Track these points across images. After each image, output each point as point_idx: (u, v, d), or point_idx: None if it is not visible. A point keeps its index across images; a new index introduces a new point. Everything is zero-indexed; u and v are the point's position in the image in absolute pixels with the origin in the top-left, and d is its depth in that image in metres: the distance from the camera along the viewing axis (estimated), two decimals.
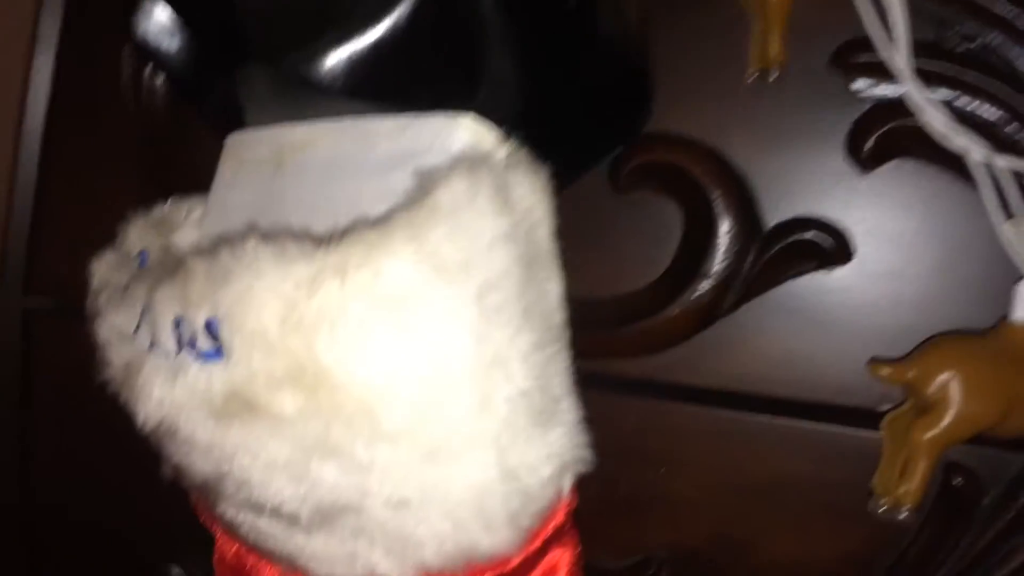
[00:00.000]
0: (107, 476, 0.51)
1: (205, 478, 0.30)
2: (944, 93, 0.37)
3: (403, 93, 0.30)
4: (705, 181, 0.39)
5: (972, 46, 0.37)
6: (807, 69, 0.38)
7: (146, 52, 0.36)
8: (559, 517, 0.31)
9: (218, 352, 0.27)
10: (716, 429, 0.41)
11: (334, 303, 0.25)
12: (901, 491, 0.37)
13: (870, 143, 0.38)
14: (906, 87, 0.36)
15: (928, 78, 0.36)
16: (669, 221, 0.41)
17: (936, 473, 0.37)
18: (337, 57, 0.29)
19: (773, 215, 0.40)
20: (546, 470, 0.29)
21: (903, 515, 0.37)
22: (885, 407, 0.39)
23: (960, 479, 0.39)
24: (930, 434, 0.35)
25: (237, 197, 0.35)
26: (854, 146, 0.39)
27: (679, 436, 0.42)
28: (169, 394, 0.28)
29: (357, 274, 0.25)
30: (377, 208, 0.29)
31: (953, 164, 0.37)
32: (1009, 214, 0.36)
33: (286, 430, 0.27)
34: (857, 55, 0.38)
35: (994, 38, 0.37)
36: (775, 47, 0.38)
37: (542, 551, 0.31)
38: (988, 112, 0.37)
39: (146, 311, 0.29)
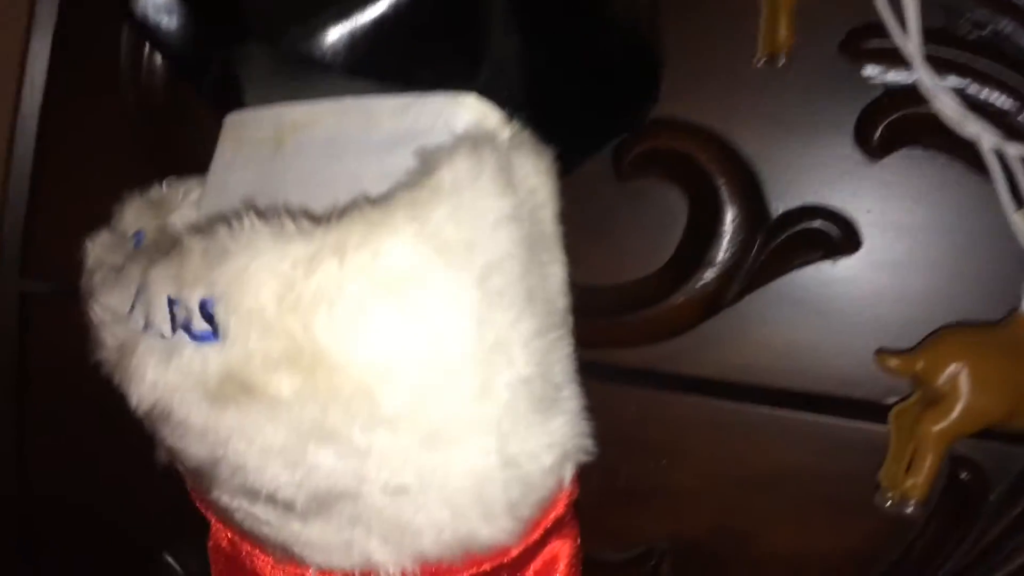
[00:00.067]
0: (103, 462, 0.50)
1: (199, 463, 0.29)
2: (955, 81, 0.36)
3: (405, 71, 0.29)
4: (711, 168, 0.39)
5: (983, 33, 0.36)
6: (816, 55, 0.38)
7: (144, 30, 0.36)
8: (559, 507, 0.30)
9: (213, 333, 0.26)
10: (718, 420, 0.41)
11: (332, 283, 0.25)
12: (908, 485, 0.36)
13: (879, 131, 0.38)
14: (917, 74, 0.35)
15: (939, 65, 0.36)
16: (674, 209, 0.41)
17: (942, 467, 0.37)
18: (338, 33, 0.28)
19: (779, 203, 0.39)
20: (547, 459, 0.28)
21: (910, 509, 0.37)
22: (890, 399, 0.38)
23: (967, 473, 0.38)
24: (938, 427, 0.35)
25: (236, 177, 0.35)
26: (863, 134, 0.38)
27: (681, 427, 0.41)
28: (163, 376, 0.27)
29: (356, 254, 0.25)
30: (378, 188, 0.28)
31: (963, 153, 0.37)
32: (1020, 203, 0.36)
33: (282, 413, 0.26)
34: (867, 41, 0.37)
35: (1006, 25, 0.36)
36: (784, 32, 0.37)
37: (542, 542, 0.30)
38: (999, 100, 0.36)
39: (140, 291, 0.29)
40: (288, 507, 0.28)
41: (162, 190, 0.37)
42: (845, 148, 0.38)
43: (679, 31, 0.39)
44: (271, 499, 0.28)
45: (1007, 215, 0.36)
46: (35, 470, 0.53)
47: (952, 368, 0.35)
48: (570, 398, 0.29)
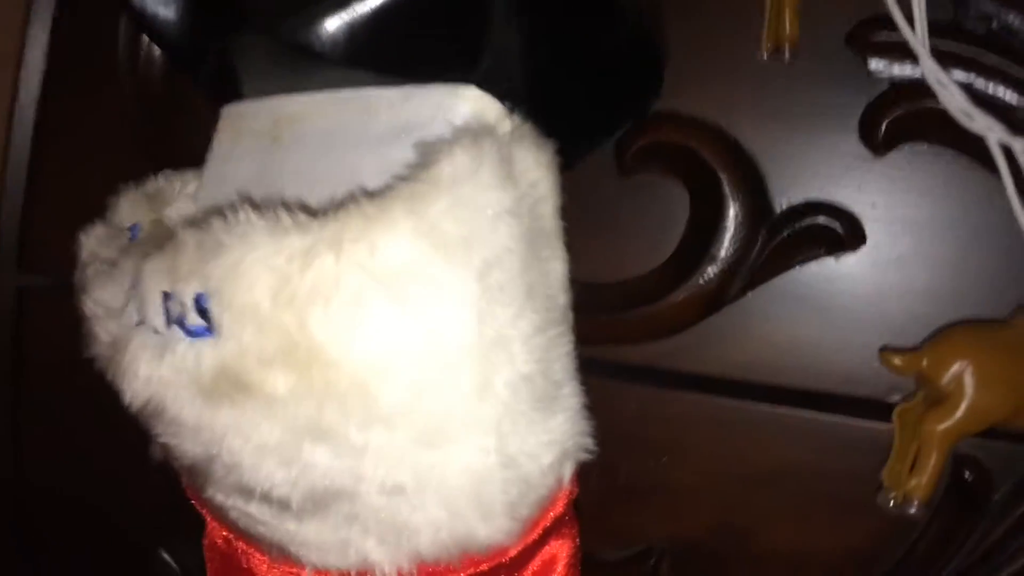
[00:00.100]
0: (100, 457, 0.50)
1: (194, 460, 0.29)
2: (961, 75, 0.36)
3: (404, 62, 0.29)
4: (713, 163, 0.39)
5: (991, 27, 0.36)
6: (822, 48, 0.38)
7: (141, 20, 0.35)
8: (559, 507, 0.30)
9: (208, 328, 0.26)
10: (719, 417, 0.41)
11: (328, 278, 0.24)
12: (911, 485, 0.36)
13: (884, 125, 0.37)
14: (923, 68, 0.35)
15: (945, 59, 0.36)
16: (675, 204, 0.40)
17: (946, 467, 0.37)
18: (336, 23, 0.27)
19: (783, 199, 0.39)
20: (547, 457, 0.28)
21: (913, 510, 0.37)
22: (893, 398, 0.38)
23: (971, 473, 0.38)
24: (943, 426, 0.35)
25: (233, 170, 0.34)
26: (868, 128, 0.38)
27: (681, 424, 0.41)
28: (156, 372, 0.27)
29: (353, 248, 0.24)
30: (376, 181, 0.28)
31: (969, 148, 0.37)
32: None
33: (277, 411, 0.26)
34: (873, 34, 0.37)
35: (1013, 19, 0.36)
36: (789, 25, 0.37)
37: (540, 542, 0.30)
38: (1006, 95, 0.36)
39: (134, 285, 0.28)
40: (283, 506, 0.28)
41: (158, 183, 0.37)
42: (850, 143, 0.38)
43: (683, 23, 0.39)
44: (266, 498, 0.28)
45: (1014, 210, 0.35)
46: (31, 465, 0.52)
47: (957, 366, 0.35)
48: (570, 396, 0.29)
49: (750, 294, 0.40)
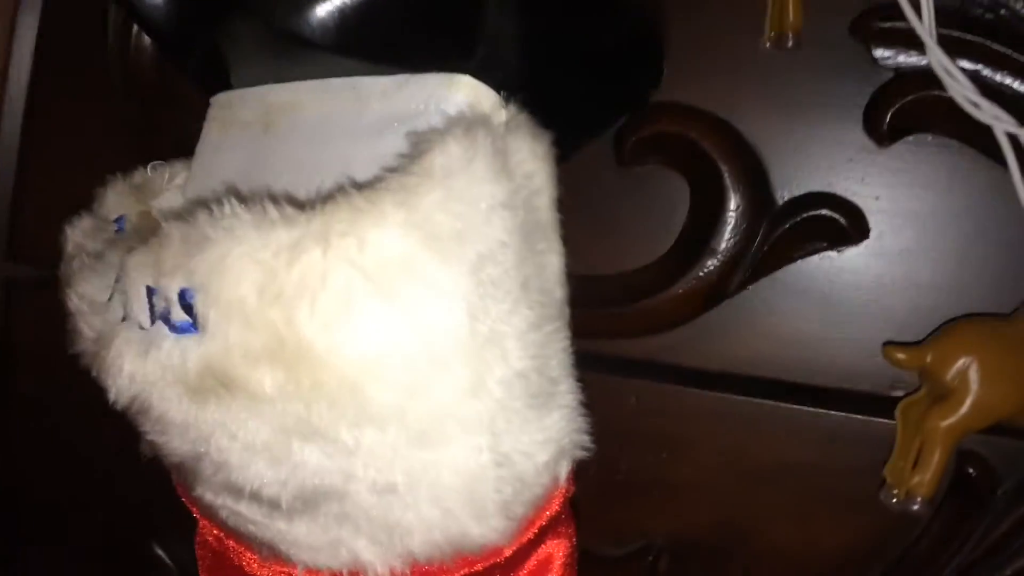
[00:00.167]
0: (89, 452, 0.50)
1: (182, 458, 0.29)
2: (968, 64, 0.35)
3: (397, 50, 0.28)
4: (714, 154, 0.38)
5: (1001, 14, 0.35)
6: (825, 36, 0.37)
7: (130, 7, 0.35)
8: (554, 506, 0.29)
9: (193, 324, 0.25)
10: (719, 413, 0.40)
11: (316, 273, 0.23)
12: (914, 481, 0.36)
13: (889, 116, 0.37)
14: (929, 56, 0.34)
15: (952, 47, 0.35)
16: (675, 196, 0.40)
17: (949, 463, 0.36)
18: (327, 9, 0.27)
19: (785, 190, 0.39)
20: (542, 456, 0.27)
21: (916, 507, 0.36)
22: (896, 393, 0.38)
23: (974, 469, 0.38)
24: (947, 422, 0.34)
25: (223, 160, 0.34)
26: (872, 119, 0.37)
27: (681, 419, 0.41)
28: (141, 369, 0.26)
29: (341, 242, 0.23)
30: (368, 172, 0.27)
31: (976, 139, 0.36)
32: None
33: (265, 409, 0.25)
34: (878, 22, 0.36)
35: (1022, 7, 0.35)
36: (793, 12, 0.36)
37: (536, 541, 0.30)
38: (1015, 84, 0.36)
39: (119, 280, 0.28)
40: (273, 505, 0.27)
41: (146, 174, 0.36)
42: (853, 134, 0.38)
43: (684, 11, 0.38)
44: (255, 497, 0.27)
45: (1022, 202, 0.35)
46: (21, 458, 0.52)
47: (961, 362, 0.34)
48: (567, 392, 0.29)
49: (751, 288, 0.39)
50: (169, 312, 0.25)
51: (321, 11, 0.27)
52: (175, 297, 0.25)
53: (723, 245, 0.38)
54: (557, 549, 0.30)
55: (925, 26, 0.34)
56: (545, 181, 0.27)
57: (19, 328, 0.51)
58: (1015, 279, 0.36)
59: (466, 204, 0.24)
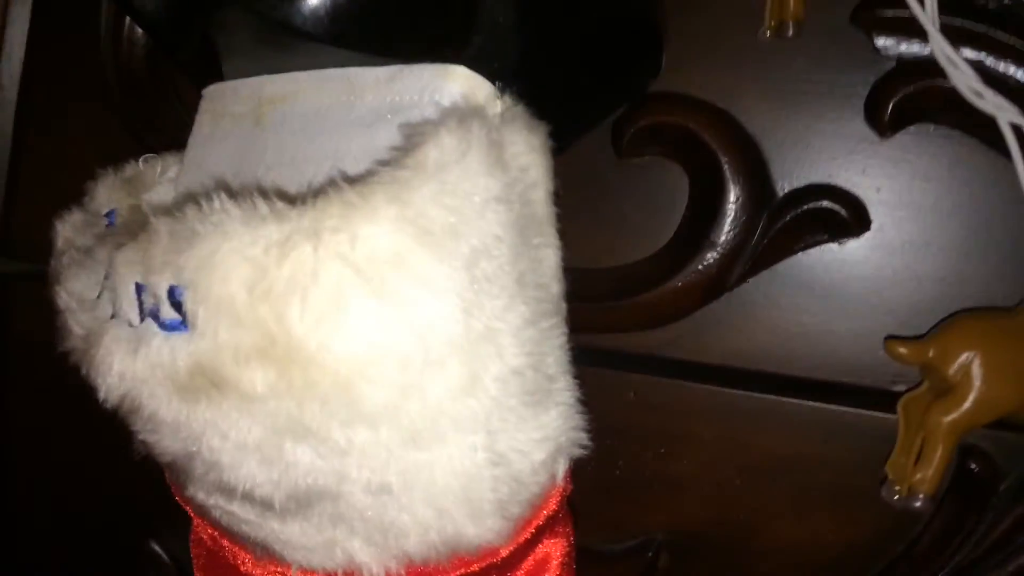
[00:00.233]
0: (84, 448, 0.49)
1: (173, 457, 0.28)
2: (971, 53, 0.35)
3: (390, 40, 0.28)
4: (714, 145, 0.38)
5: (1005, 1, 0.35)
6: (826, 25, 0.37)
7: None
8: (552, 505, 0.29)
9: (182, 322, 0.24)
10: (719, 407, 0.40)
11: (306, 270, 0.23)
12: (917, 478, 0.35)
13: (891, 106, 0.36)
14: (932, 45, 0.34)
15: (955, 36, 0.35)
16: (674, 187, 0.40)
17: (952, 458, 0.36)
18: None
19: (785, 182, 0.38)
20: (538, 455, 0.27)
21: (918, 503, 0.36)
22: (898, 387, 0.38)
23: (976, 464, 0.37)
24: (950, 417, 0.34)
25: (215, 153, 0.33)
26: (874, 109, 0.37)
27: (680, 414, 0.41)
28: (130, 367, 0.26)
29: (332, 238, 0.23)
30: (362, 165, 0.27)
31: (979, 129, 0.36)
32: None
33: (256, 408, 0.25)
34: (880, 10, 0.36)
35: None
36: (793, 1, 0.36)
37: (533, 541, 0.29)
38: (1018, 74, 0.35)
39: (107, 276, 0.27)
40: (266, 505, 0.27)
41: (138, 167, 0.36)
42: (855, 124, 0.37)
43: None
44: (248, 497, 0.27)
45: None
46: (17, 454, 0.52)
47: (964, 356, 0.34)
48: (564, 390, 0.28)
49: (751, 281, 0.39)
50: (158, 309, 0.25)
51: (313, 0, 0.26)
52: (164, 294, 0.25)
53: (723, 237, 0.38)
54: (555, 549, 0.30)
55: (928, 14, 0.34)
56: (541, 174, 0.27)
57: (15, 323, 0.50)
58: (1019, 271, 0.36)
59: (460, 198, 0.24)
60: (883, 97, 0.36)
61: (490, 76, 0.28)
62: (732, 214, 0.38)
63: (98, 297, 0.28)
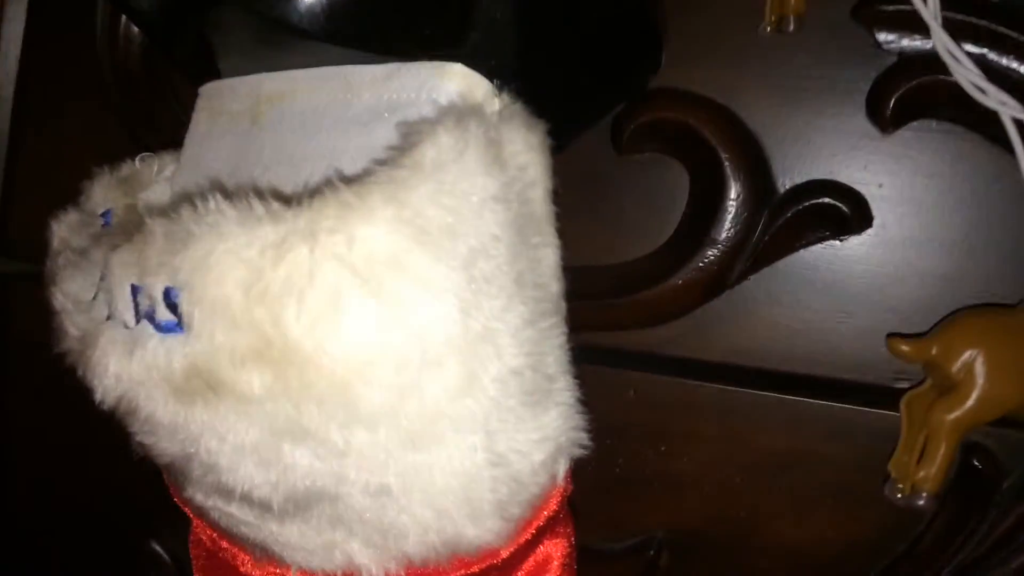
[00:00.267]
0: (84, 448, 0.49)
1: (171, 459, 0.28)
2: (974, 48, 0.35)
3: (387, 37, 0.27)
4: (714, 141, 0.37)
5: None
6: (827, 20, 0.36)
7: None
8: (552, 505, 0.29)
9: (178, 324, 0.24)
10: (720, 405, 0.40)
11: (303, 271, 0.23)
12: (920, 476, 0.35)
13: (892, 102, 0.36)
14: (934, 40, 0.34)
15: (957, 31, 0.34)
16: (675, 184, 0.39)
17: (955, 456, 0.36)
18: None
19: (786, 178, 0.38)
20: (538, 455, 0.27)
21: (922, 502, 0.36)
22: (901, 384, 0.37)
23: (979, 461, 0.37)
24: (953, 415, 0.34)
25: (211, 151, 0.33)
26: (875, 105, 0.37)
27: (681, 412, 0.40)
28: (126, 369, 0.26)
29: (329, 239, 0.23)
30: (359, 164, 0.27)
31: (982, 125, 0.36)
32: None
33: (254, 410, 0.25)
34: (881, 5, 0.36)
35: None
36: None
37: (534, 542, 0.29)
38: (1021, 69, 0.35)
39: (103, 277, 0.27)
40: (265, 507, 0.27)
41: (134, 166, 0.35)
42: (856, 120, 0.37)
43: None
44: (246, 498, 0.27)
45: None
46: (17, 454, 0.52)
47: (967, 354, 0.34)
48: (563, 389, 0.28)
49: (752, 278, 0.39)
50: (154, 311, 0.25)
51: None
52: (160, 296, 0.24)
53: (724, 234, 0.38)
54: (555, 549, 0.30)
55: (930, 9, 0.34)
56: (540, 172, 0.27)
57: (14, 323, 0.50)
58: (1021, 268, 0.36)
59: (457, 198, 0.24)
60: (885, 93, 0.36)
61: (488, 74, 0.28)
62: (733, 211, 0.37)
63: (94, 298, 0.28)
